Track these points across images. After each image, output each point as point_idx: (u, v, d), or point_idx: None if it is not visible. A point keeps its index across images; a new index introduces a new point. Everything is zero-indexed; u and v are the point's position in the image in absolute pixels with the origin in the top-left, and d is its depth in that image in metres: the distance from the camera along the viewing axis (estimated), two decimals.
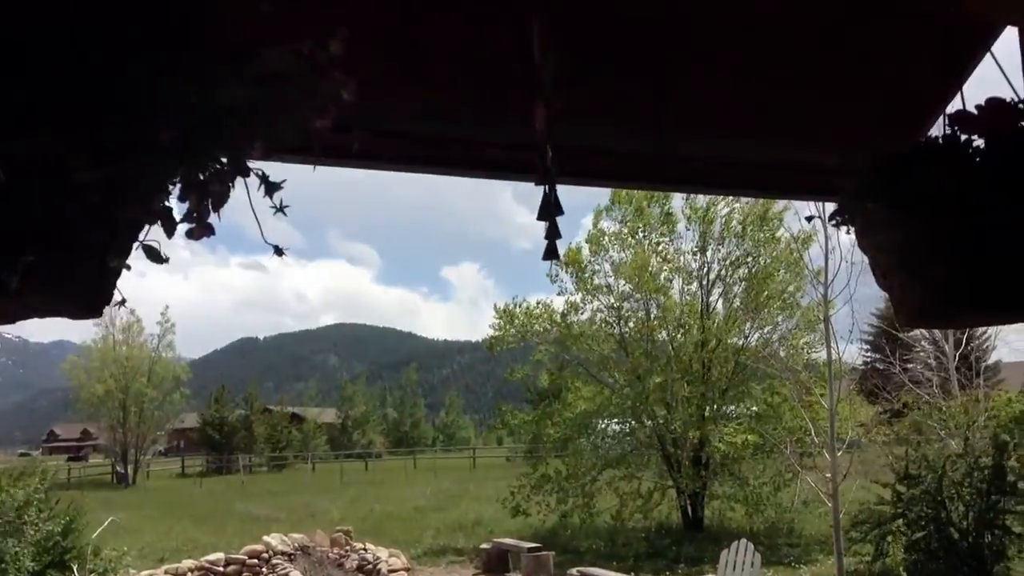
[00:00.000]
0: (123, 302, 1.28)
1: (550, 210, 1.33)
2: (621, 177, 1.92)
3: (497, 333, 18.50)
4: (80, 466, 58.63)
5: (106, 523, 11.57)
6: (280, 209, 0.95)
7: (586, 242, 18.41)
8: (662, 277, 17.30)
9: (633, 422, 17.69)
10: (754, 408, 16.59)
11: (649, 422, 17.05)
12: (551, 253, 1.37)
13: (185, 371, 52.67)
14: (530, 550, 13.63)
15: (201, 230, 0.89)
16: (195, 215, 0.88)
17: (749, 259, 17.21)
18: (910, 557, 11.61)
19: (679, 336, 17.43)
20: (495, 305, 18.85)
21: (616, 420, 18.01)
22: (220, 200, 0.88)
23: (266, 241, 1.05)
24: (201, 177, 0.84)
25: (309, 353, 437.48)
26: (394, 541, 17.59)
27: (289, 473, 50.07)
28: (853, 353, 20.29)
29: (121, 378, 47.77)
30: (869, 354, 33.56)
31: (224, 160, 0.83)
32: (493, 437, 63.06)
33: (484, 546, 15.21)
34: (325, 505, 26.72)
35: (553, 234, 1.35)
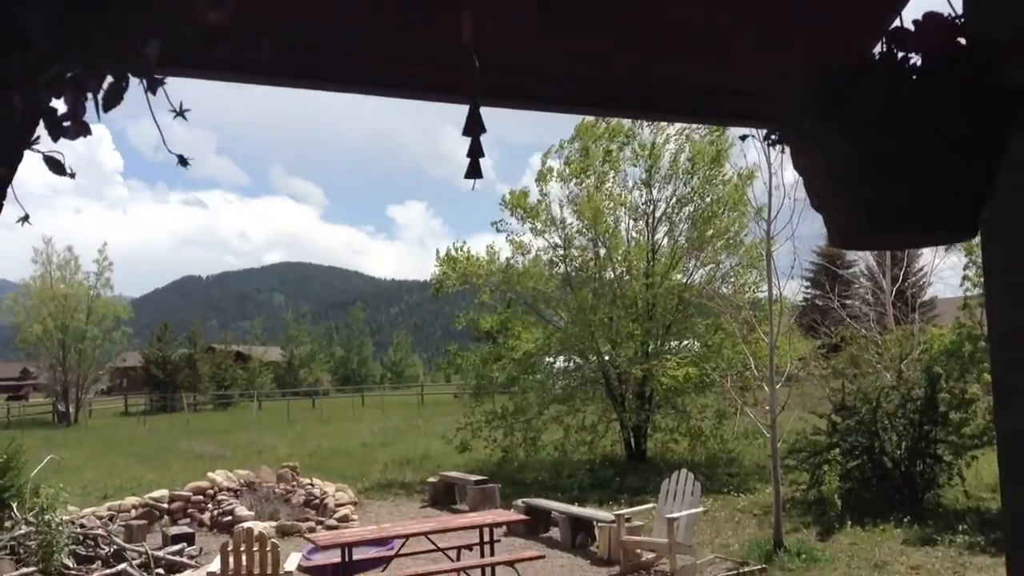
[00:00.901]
0: (26, 218, 1.20)
1: (474, 126, 1.27)
2: (554, 101, 1.85)
3: (441, 278, 18.48)
4: (20, 405, 57.54)
5: (44, 461, 11.39)
6: (180, 113, 0.89)
7: (535, 181, 18.36)
8: (609, 217, 17.34)
9: (578, 359, 17.90)
10: (696, 344, 16.89)
11: (594, 358, 17.27)
12: (474, 171, 1.32)
13: (126, 310, 51.74)
14: (476, 482, 13.82)
15: (77, 128, 0.82)
16: (74, 113, 0.81)
17: (696, 198, 17.32)
18: (844, 485, 12.07)
19: (625, 274, 17.57)
20: (437, 251, 18.83)
21: (562, 357, 18.21)
22: (111, 100, 0.81)
23: (169, 151, 0.99)
24: (78, 72, 0.77)
25: (254, 292, 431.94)
26: (341, 476, 17.68)
27: (235, 411, 49.84)
28: (794, 290, 20.71)
29: (59, 316, 46.75)
30: (810, 291, 34.37)
31: (106, 51, 0.76)
32: (442, 375, 63.43)
33: (431, 480, 15.37)
34: (271, 442, 26.71)
35: (476, 152, 1.30)
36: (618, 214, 17.64)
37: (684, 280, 17.54)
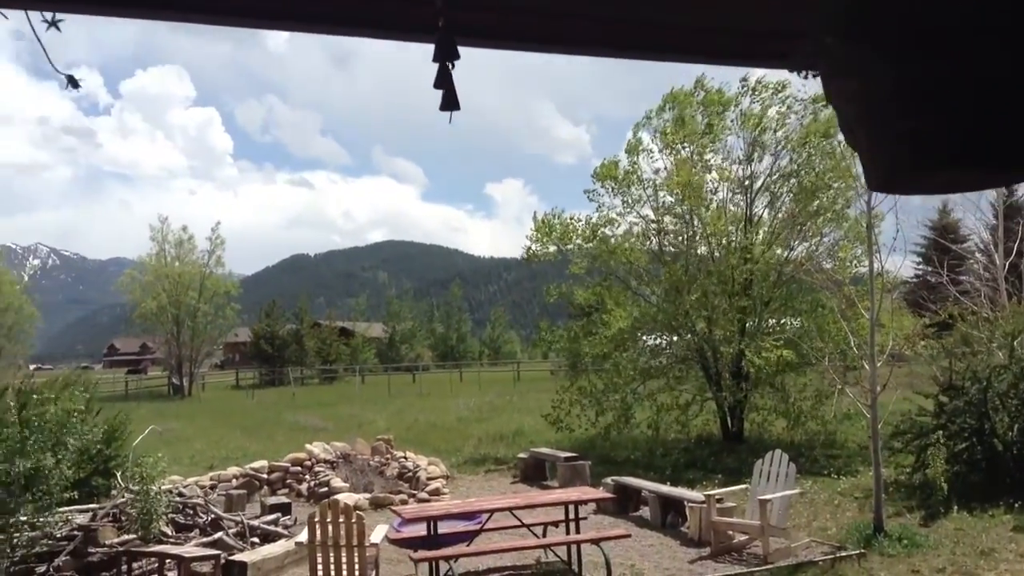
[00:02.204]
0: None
1: (444, 52, 1.14)
2: (533, 39, 1.67)
3: (535, 246, 18.31)
4: (138, 379, 60.61)
5: (146, 431, 11.87)
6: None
7: (624, 153, 17.99)
8: (705, 188, 16.86)
9: (673, 336, 17.54)
10: (796, 321, 16.29)
11: (688, 336, 16.89)
12: (449, 102, 1.19)
13: (235, 287, 53.63)
14: (566, 459, 13.74)
15: None
16: None
17: (801, 171, 16.66)
18: (951, 468, 11.45)
19: (720, 249, 17.08)
20: (534, 215, 18.61)
21: (655, 335, 17.88)
22: None
23: (57, 70, 0.90)
24: None
25: (359, 270, 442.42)
26: (436, 450, 17.91)
27: (339, 385, 51.20)
28: (901, 264, 19.67)
29: (173, 293, 48.79)
30: (920, 267, 32.79)
31: None
32: (539, 351, 63.54)
33: (521, 455, 15.37)
34: (371, 416, 27.29)
35: (446, 80, 1.17)
36: (714, 186, 17.13)
37: (784, 255, 16.92)
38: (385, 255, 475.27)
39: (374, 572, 8.05)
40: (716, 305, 16.22)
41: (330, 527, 7.64)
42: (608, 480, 12.15)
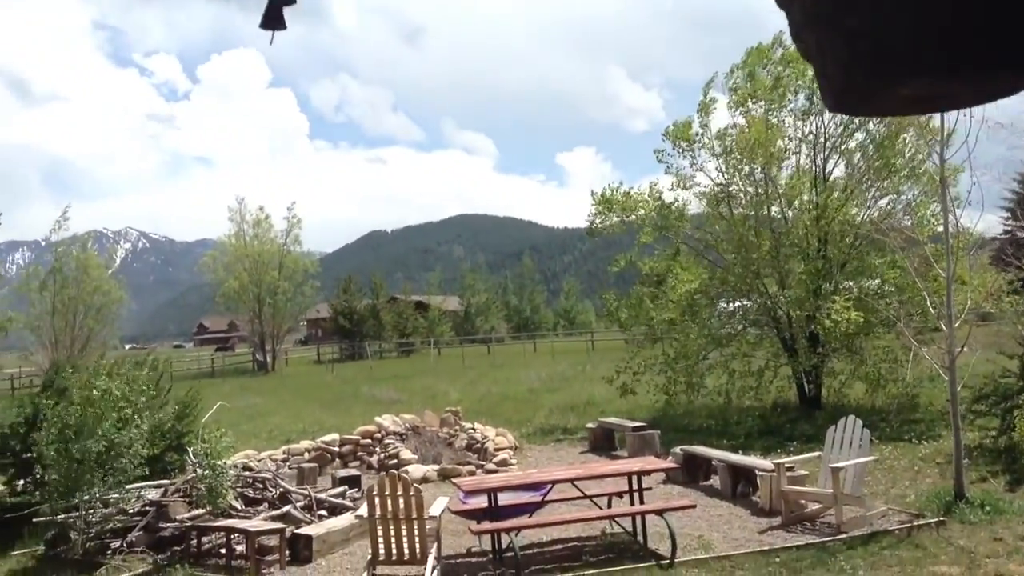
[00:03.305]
0: None
1: None
2: None
3: (597, 220, 18.01)
4: (225, 356, 62.44)
5: (215, 407, 12.11)
6: None
7: (696, 112, 17.45)
8: (775, 147, 16.25)
9: (745, 301, 17.06)
10: (874, 283, 15.63)
11: (760, 300, 16.40)
12: (271, 20, 1.02)
13: (314, 264, 54.54)
14: (635, 429, 13.54)
15: None
16: None
17: (871, 124, 15.91)
18: None
19: (792, 208, 16.49)
20: (592, 191, 18.29)
21: (725, 299, 17.43)
22: None
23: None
24: None
25: (434, 244, 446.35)
26: (507, 421, 17.90)
27: (416, 358, 51.80)
28: (985, 220, 18.54)
29: (254, 272, 49.90)
30: (1009, 223, 31.19)
31: None
32: (613, 321, 62.97)
33: (590, 425, 15.22)
34: (445, 387, 27.49)
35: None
36: (786, 144, 16.49)
37: (859, 214, 16.23)
38: (459, 229, 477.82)
39: (435, 544, 8.04)
40: (789, 268, 15.69)
41: (388, 500, 7.65)
42: (677, 449, 11.90)
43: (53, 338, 35.52)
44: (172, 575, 8.35)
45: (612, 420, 14.92)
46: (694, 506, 8.99)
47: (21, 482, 10.29)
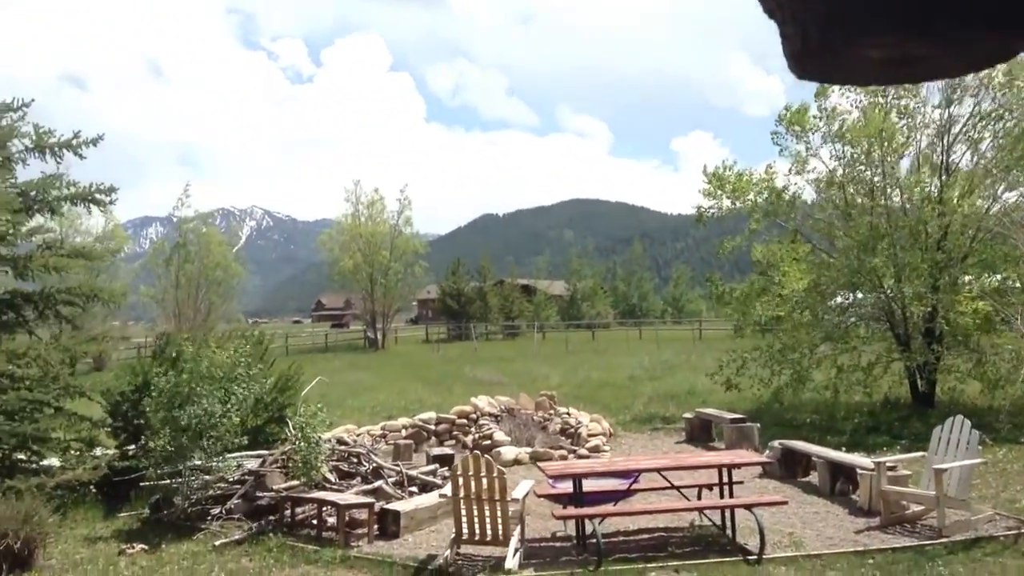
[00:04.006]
0: None
1: None
2: None
3: (706, 201, 17.54)
4: (339, 332, 64.34)
5: (314, 382, 12.45)
6: None
7: (813, 97, 16.80)
8: (897, 136, 15.47)
9: (857, 293, 16.36)
10: (996, 278, 14.73)
11: (874, 294, 15.69)
12: None
13: (423, 246, 55.40)
14: (733, 421, 13.21)
15: None
16: None
17: (1007, 113, 14.96)
18: None
19: (912, 200, 15.67)
20: (704, 167, 17.76)
21: (840, 294, 16.74)
22: None
23: None
24: None
25: (545, 228, 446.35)
26: (605, 408, 17.78)
27: (520, 341, 52.07)
28: None
29: (367, 252, 51.12)
30: None
31: None
32: (723, 311, 61.64)
33: (687, 415, 14.94)
34: (546, 371, 27.53)
35: None
36: (908, 133, 15.68)
37: (985, 207, 15.30)
38: (571, 213, 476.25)
39: (519, 527, 8.06)
40: (906, 260, 14.94)
41: (472, 481, 7.70)
42: (775, 444, 11.55)
43: (177, 310, 37.37)
44: (265, 543, 8.65)
45: (710, 411, 14.61)
46: (786, 502, 8.71)
47: (132, 447, 10.86)
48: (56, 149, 10.46)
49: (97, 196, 10.95)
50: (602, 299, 73.29)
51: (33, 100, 10.39)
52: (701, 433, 14.29)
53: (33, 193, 10.40)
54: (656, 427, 15.87)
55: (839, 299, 16.97)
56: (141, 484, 10.05)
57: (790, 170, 17.03)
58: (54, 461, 10.48)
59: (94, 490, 10.47)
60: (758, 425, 13.33)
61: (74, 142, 10.56)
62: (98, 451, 11.10)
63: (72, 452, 10.55)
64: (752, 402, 17.07)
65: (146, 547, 8.72)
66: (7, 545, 7.59)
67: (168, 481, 9.54)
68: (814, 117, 16.55)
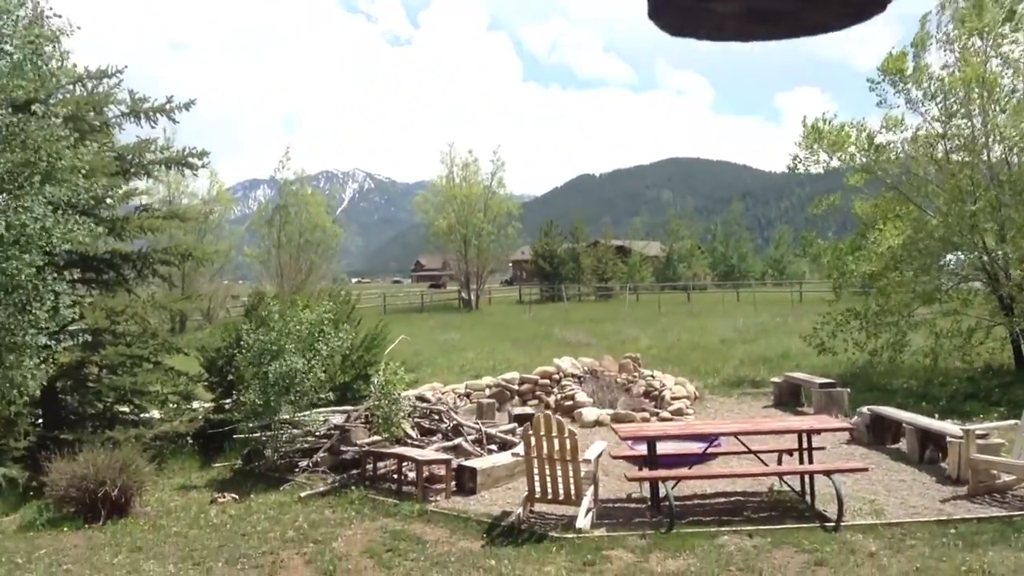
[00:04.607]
0: None
1: None
2: None
3: (802, 153, 16.90)
4: (435, 292, 65.39)
5: (397, 341, 12.72)
6: None
7: (910, 46, 15.93)
8: (1001, 84, 14.57)
9: (958, 254, 15.60)
10: None
11: (975, 254, 14.93)
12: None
13: (516, 207, 55.51)
14: (821, 385, 12.89)
15: None
16: None
17: None
18: None
19: (1017, 154, 14.77)
20: (803, 118, 17.09)
21: (936, 253, 15.99)
22: None
23: None
24: None
25: (643, 188, 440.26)
26: (693, 370, 17.60)
27: (613, 303, 51.83)
28: None
29: (461, 213, 51.58)
30: None
31: None
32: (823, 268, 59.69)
33: (775, 380, 14.65)
34: (636, 333, 27.35)
35: None
36: (1012, 82, 14.74)
37: None
38: (670, 172, 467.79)
39: (592, 487, 8.11)
40: (1010, 218, 14.14)
41: (544, 441, 7.77)
42: (864, 409, 11.22)
43: (279, 270, 38.65)
44: (348, 495, 8.97)
45: (799, 375, 14.28)
46: (866, 469, 8.47)
47: (227, 401, 11.37)
48: (151, 114, 10.91)
49: (190, 160, 11.41)
50: (700, 260, 72.07)
51: (127, 66, 10.83)
52: (790, 398, 14.00)
53: (129, 157, 10.90)
54: (745, 391, 15.62)
55: (939, 259, 16.23)
56: (234, 436, 10.53)
57: (886, 125, 16.25)
58: (154, 413, 11.09)
59: (191, 442, 11.04)
60: (848, 390, 12.98)
61: (167, 107, 11.00)
62: (195, 404, 11.68)
63: (170, 405, 11.15)
64: (847, 366, 16.60)
65: (236, 497, 9.17)
66: (105, 492, 8.11)
67: (259, 434, 9.97)
68: (910, 68, 15.71)
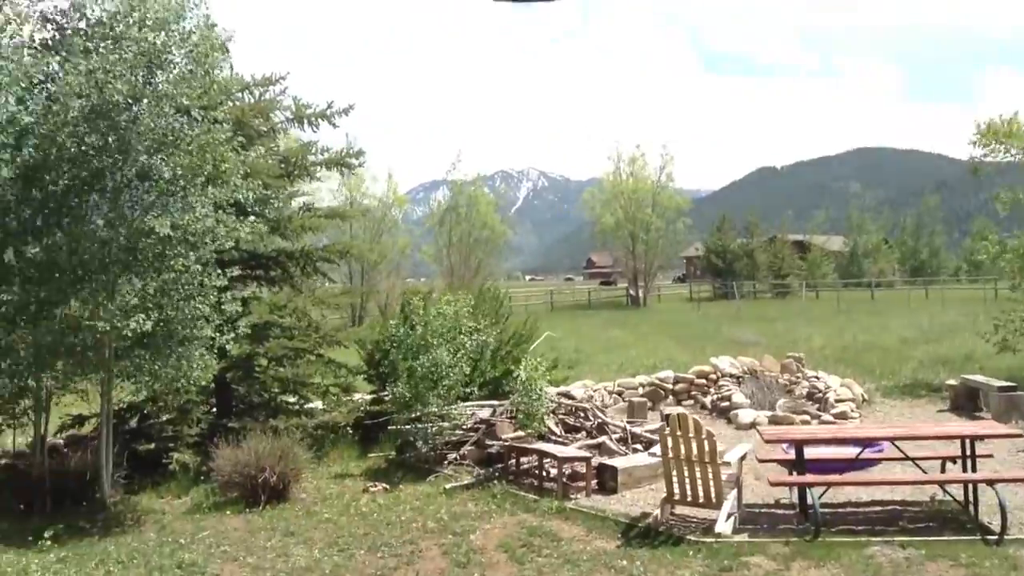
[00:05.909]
0: None
1: None
2: None
3: (978, 150, 15.70)
4: (605, 290, 65.24)
5: (542, 337, 12.78)
6: None
7: None
8: None
9: None
10: None
11: None
12: None
13: (686, 202, 54.48)
14: (1001, 389, 11.87)
15: None
16: None
17: None
18: None
19: None
20: (976, 123, 15.89)
21: None
22: None
23: None
24: None
25: (829, 180, 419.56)
26: (867, 372, 16.71)
27: (789, 300, 49.88)
28: None
29: (628, 209, 51.23)
30: None
31: None
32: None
33: (951, 382, 13.61)
34: (809, 332, 26.19)
35: None
36: None
37: None
38: (857, 163, 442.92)
39: (735, 491, 7.85)
40: None
41: (681, 442, 7.60)
42: None
43: (450, 268, 39.91)
44: (490, 489, 9.15)
45: (978, 378, 13.21)
46: None
47: (386, 394, 11.85)
48: (312, 119, 11.56)
49: (347, 160, 12.01)
50: (886, 255, 67.86)
51: (289, 73, 11.51)
52: (967, 402, 12.98)
53: (293, 160, 11.60)
54: (920, 394, 14.62)
55: None
56: (389, 428, 10.97)
57: None
58: (317, 404, 11.74)
59: (351, 432, 11.59)
60: None
61: (328, 112, 11.62)
62: (356, 396, 12.26)
63: (331, 396, 11.76)
64: None
65: (387, 486, 9.56)
66: (264, 479, 8.68)
67: (409, 426, 10.34)
68: None
